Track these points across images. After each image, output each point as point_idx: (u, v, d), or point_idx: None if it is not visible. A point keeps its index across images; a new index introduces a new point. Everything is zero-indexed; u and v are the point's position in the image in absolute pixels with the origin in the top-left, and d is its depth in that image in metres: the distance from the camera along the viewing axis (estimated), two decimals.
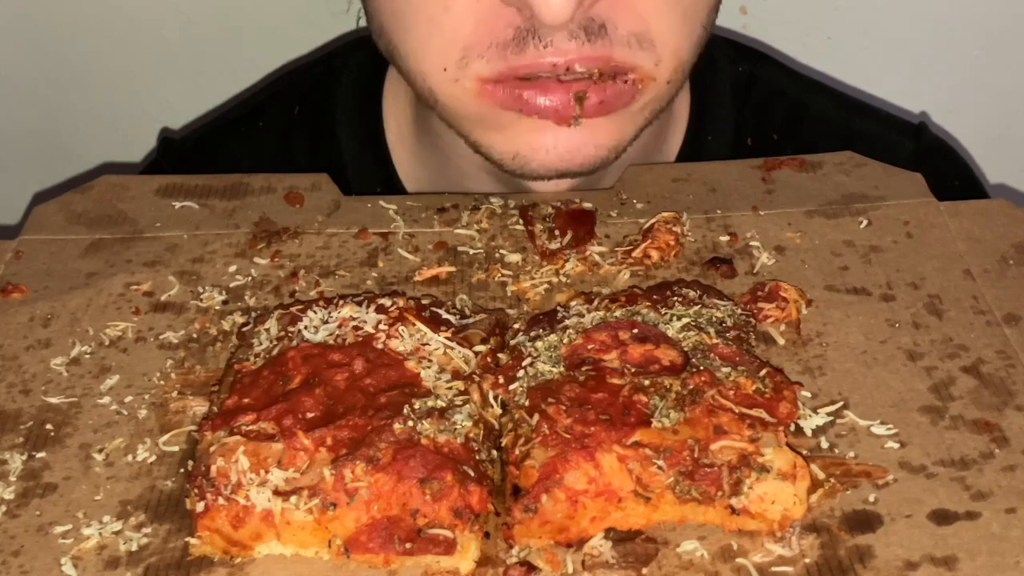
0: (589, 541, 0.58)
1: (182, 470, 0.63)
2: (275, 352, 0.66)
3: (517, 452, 0.59)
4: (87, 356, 0.71)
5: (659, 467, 0.58)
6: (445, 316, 0.68)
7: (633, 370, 0.62)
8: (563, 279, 0.76)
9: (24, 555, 0.58)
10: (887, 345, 0.69)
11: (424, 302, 0.69)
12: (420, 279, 0.76)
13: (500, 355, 0.67)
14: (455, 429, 0.60)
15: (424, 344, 0.65)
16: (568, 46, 0.76)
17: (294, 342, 0.66)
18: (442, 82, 0.81)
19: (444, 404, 0.61)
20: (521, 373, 0.64)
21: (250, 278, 0.77)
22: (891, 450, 0.62)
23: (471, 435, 0.60)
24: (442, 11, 0.78)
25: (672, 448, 0.58)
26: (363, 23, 0.91)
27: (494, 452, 0.61)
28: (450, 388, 0.62)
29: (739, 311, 0.69)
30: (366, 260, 0.78)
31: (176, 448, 0.64)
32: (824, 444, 0.62)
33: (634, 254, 0.77)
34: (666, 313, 0.67)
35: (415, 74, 0.83)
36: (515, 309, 0.73)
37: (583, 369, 0.63)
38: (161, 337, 0.72)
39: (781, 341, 0.70)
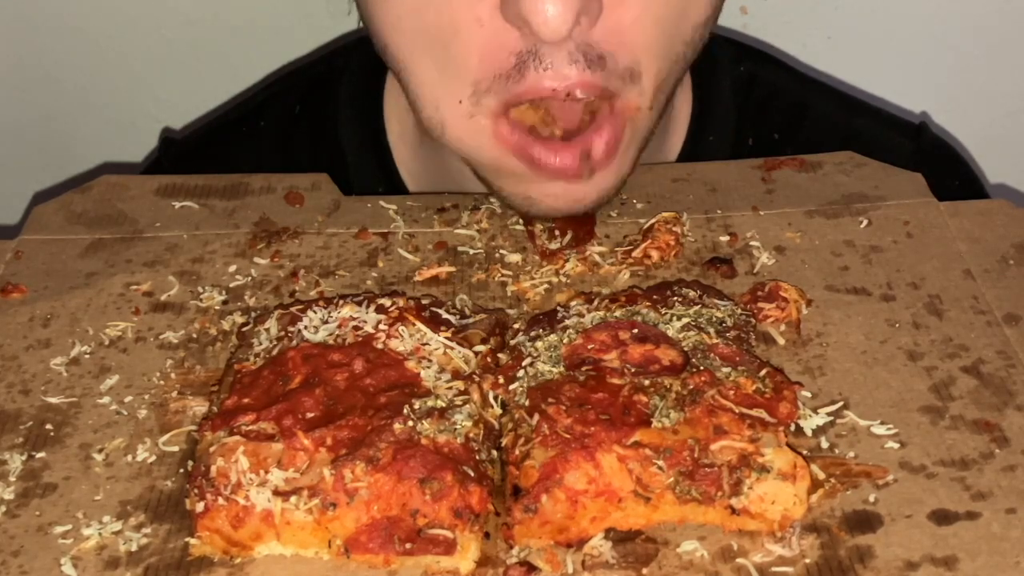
0: (589, 541, 0.58)
1: (182, 470, 0.63)
2: (275, 352, 0.65)
3: (517, 452, 0.59)
4: (87, 356, 0.71)
5: (659, 467, 0.58)
6: (445, 316, 0.68)
7: (633, 370, 0.62)
8: (563, 279, 0.76)
9: (24, 555, 0.58)
10: (887, 345, 0.69)
11: (424, 302, 0.69)
12: (420, 279, 0.76)
13: (500, 355, 0.67)
14: (455, 429, 0.60)
15: (424, 344, 0.65)
16: (568, 71, 0.75)
17: (294, 342, 0.66)
18: (457, 116, 0.78)
19: (444, 404, 0.61)
20: (521, 373, 0.64)
21: (250, 278, 0.77)
22: (891, 450, 0.62)
23: (471, 435, 0.60)
24: (452, 36, 0.77)
25: (672, 448, 0.58)
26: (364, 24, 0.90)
27: (494, 452, 0.61)
28: (450, 388, 0.62)
29: (739, 311, 0.69)
30: (366, 260, 0.78)
31: (176, 448, 0.64)
32: (824, 444, 0.62)
33: (634, 254, 0.77)
34: (666, 313, 0.67)
35: (427, 101, 0.80)
36: (515, 309, 0.73)
37: (583, 369, 0.63)
38: (161, 337, 0.72)
39: (781, 341, 0.70)
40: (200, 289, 0.76)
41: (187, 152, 1.09)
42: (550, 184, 0.79)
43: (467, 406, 0.61)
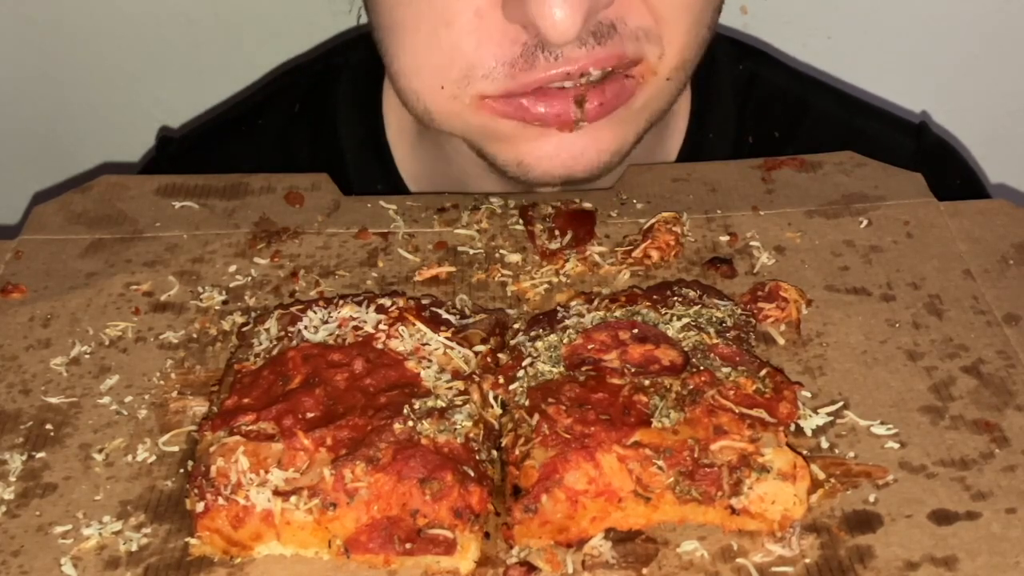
0: (589, 541, 0.58)
1: (182, 470, 0.63)
2: (275, 352, 0.65)
3: (517, 452, 0.59)
4: (87, 356, 0.71)
5: (659, 467, 0.58)
6: (445, 316, 0.68)
7: (633, 370, 0.62)
8: (563, 279, 0.76)
9: (24, 555, 0.58)
10: (887, 345, 0.69)
11: (424, 302, 0.69)
12: (420, 279, 0.76)
13: (500, 355, 0.67)
14: (455, 429, 0.60)
15: (424, 344, 0.65)
16: (579, 53, 0.76)
17: (294, 342, 0.66)
18: (438, 100, 0.80)
19: (444, 404, 0.61)
20: (521, 373, 0.64)
21: (250, 278, 0.77)
22: (891, 450, 0.62)
23: (471, 435, 0.60)
24: (443, 26, 0.77)
25: (672, 448, 0.58)
26: (363, 20, 0.91)
27: (494, 452, 0.61)
28: (450, 388, 0.62)
29: (739, 311, 0.69)
30: (366, 260, 0.78)
31: (176, 448, 0.64)
32: (824, 444, 0.62)
33: (634, 254, 0.77)
34: (666, 313, 0.67)
35: (408, 92, 0.82)
36: (515, 309, 0.73)
37: (583, 369, 0.63)
38: (161, 337, 0.72)
39: (781, 341, 0.70)
40: (200, 289, 0.76)
41: (184, 151, 1.09)
42: (542, 142, 0.79)
43: (467, 406, 0.61)
